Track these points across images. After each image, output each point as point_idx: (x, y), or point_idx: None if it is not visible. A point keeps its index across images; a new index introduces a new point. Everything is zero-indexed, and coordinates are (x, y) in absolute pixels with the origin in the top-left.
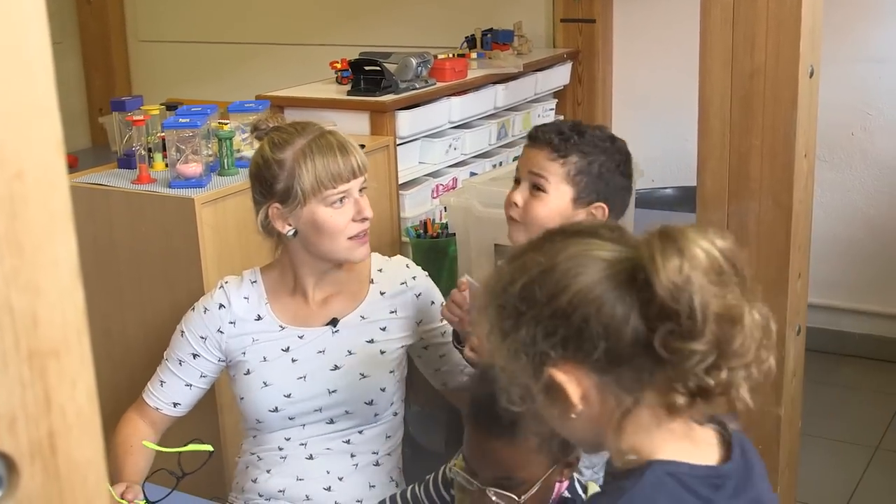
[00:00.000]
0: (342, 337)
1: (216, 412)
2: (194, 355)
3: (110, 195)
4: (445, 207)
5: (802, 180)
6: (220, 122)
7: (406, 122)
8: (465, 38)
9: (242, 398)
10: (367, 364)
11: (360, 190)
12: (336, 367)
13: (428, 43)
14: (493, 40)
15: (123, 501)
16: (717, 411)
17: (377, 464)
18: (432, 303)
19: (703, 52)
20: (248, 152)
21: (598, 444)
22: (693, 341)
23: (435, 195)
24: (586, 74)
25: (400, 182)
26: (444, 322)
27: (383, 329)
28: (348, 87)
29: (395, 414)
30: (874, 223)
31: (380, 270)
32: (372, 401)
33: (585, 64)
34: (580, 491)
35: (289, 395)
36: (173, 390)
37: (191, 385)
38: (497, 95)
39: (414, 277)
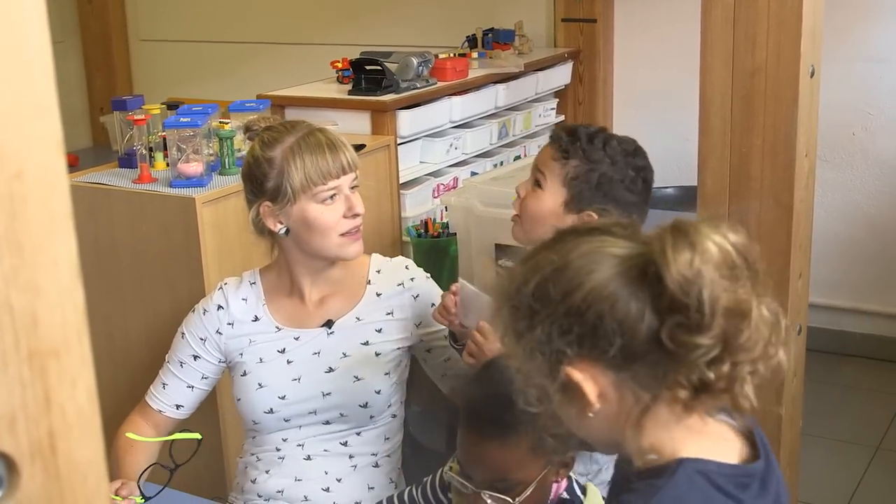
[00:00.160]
0: (337, 338)
1: (217, 413)
2: (195, 357)
3: (111, 194)
4: (446, 207)
5: (803, 180)
6: (221, 122)
7: (407, 121)
8: (466, 37)
9: (239, 399)
10: (362, 366)
11: (353, 188)
12: (330, 370)
13: (429, 42)
14: (493, 40)
15: (118, 498)
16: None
17: (376, 465)
18: (433, 305)
19: (704, 51)
20: None
21: (616, 444)
22: (700, 335)
23: (436, 195)
24: (587, 74)
25: (401, 182)
26: (448, 329)
27: (379, 331)
28: (349, 87)
29: (394, 416)
30: (875, 223)
31: (378, 271)
32: (366, 403)
33: (586, 63)
34: (578, 492)
35: (283, 397)
36: (175, 392)
37: (192, 387)
38: (498, 95)
39: (412, 279)
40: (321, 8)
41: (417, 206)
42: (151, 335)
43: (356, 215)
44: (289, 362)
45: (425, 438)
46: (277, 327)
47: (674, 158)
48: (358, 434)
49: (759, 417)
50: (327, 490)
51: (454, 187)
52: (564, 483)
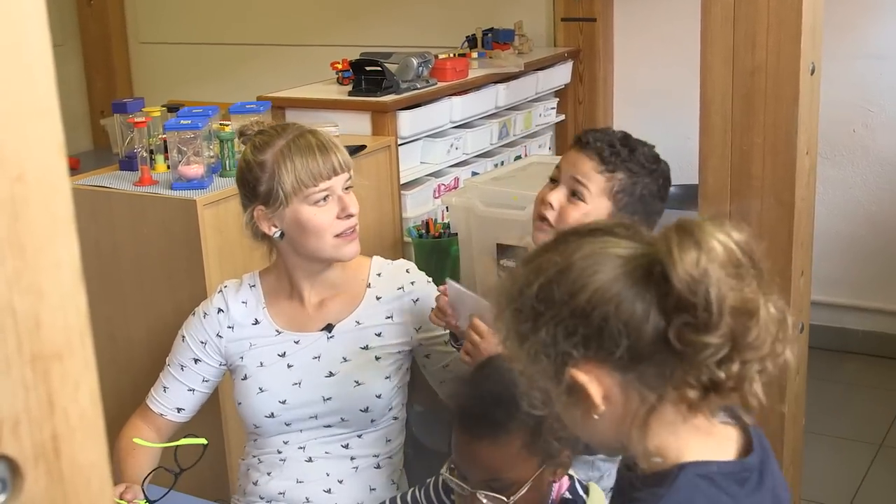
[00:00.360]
0: (337, 343)
1: (220, 415)
2: (196, 360)
3: (112, 197)
4: (447, 207)
5: (804, 177)
6: (221, 124)
7: (407, 122)
8: (466, 37)
9: (240, 403)
10: (362, 371)
11: (347, 188)
12: (330, 374)
13: (429, 43)
14: (493, 40)
15: (122, 502)
16: (730, 405)
17: (378, 466)
18: (433, 310)
19: (704, 49)
20: None
21: (621, 447)
22: (708, 334)
23: (437, 195)
24: (587, 73)
25: (401, 182)
26: (447, 330)
27: (378, 335)
28: (349, 88)
29: (395, 418)
30: (876, 220)
31: (378, 275)
32: (367, 408)
33: (586, 63)
34: (581, 492)
35: (284, 402)
36: (177, 395)
37: (194, 390)
38: (498, 95)
39: (412, 283)
40: (321, 9)
41: (418, 207)
42: (153, 337)
43: (350, 216)
44: (289, 366)
45: (427, 439)
46: (277, 331)
47: (674, 157)
48: (359, 436)
49: (761, 416)
50: (329, 492)
51: (455, 187)
52: (566, 483)
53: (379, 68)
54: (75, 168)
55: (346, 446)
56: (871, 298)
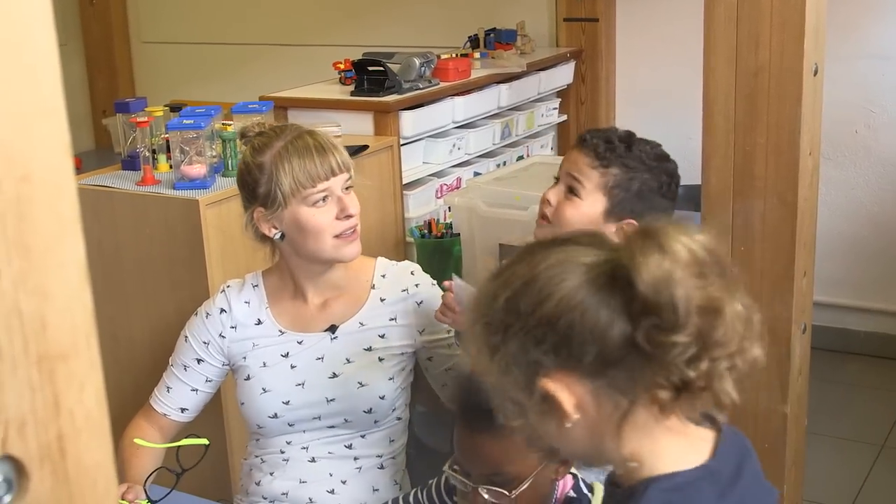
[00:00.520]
0: (341, 344)
1: (222, 415)
2: (199, 360)
3: (114, 197)
4: (450, 207)
5: (807, 178)
6: (223, 124)
7: (410, 122)
8: (469, 37)
9: (243, 403)
10: (366, 372)
11: (347, 189)
12: (334, 375)
13: (431, 43)
14: (496, 40)
15: (125, 502)
16: (703, 407)
17: (381, 467)
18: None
19: (707, 50)
20: None
21: (597, 456)
22: (675, 334)
23: (439, 195)
24: (589, 73)
25: (404, 182)
26: (451, 334)
27: (382, 336)
28: (352, 88)
29: (399, 419)
30: (878, 220)
31: (383, 276)
32: (371, 409)
33: (588, 63)
34: (585, 490)
35: (287, 402)
36: (180, 396)
37: (197, 390)
38: (500, 95)
39: (417, 285)
40: (323, 9)
41: (421, 207)
42: (156, 337)
43: (349, 216)
44: (292, 367)
45: (430, 439)
46: (280, 331)
47: (677, 157)
48: (362, 437)
49: (764, 416)
50: (332, 492)
51: (457, 188)
52: (571, 482)
53: (381, 68)
54: (77, 168)
55: (350, 447)
56: (874, 299)
